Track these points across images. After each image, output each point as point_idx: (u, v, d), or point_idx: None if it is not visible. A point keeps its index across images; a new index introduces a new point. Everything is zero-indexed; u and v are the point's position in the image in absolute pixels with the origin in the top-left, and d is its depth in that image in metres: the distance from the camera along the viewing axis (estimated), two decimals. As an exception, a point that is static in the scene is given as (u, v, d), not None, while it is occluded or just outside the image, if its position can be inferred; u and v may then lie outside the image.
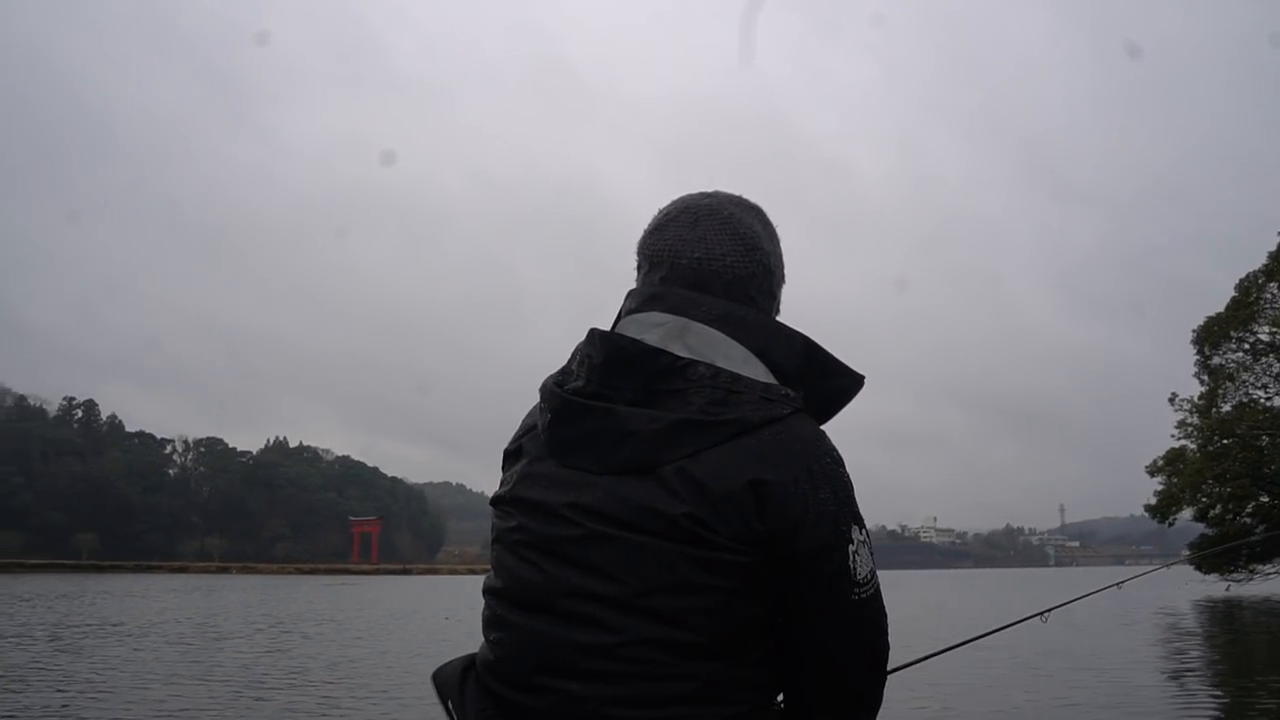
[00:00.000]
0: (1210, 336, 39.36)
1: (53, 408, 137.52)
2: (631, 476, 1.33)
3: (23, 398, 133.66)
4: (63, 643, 18.65)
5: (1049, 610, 2.41)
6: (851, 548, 1.33)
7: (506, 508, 1.45)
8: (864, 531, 1.36)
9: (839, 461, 1.37)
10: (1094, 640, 18.07)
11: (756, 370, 1.38)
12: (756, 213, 1.54)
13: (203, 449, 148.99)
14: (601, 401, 1.37)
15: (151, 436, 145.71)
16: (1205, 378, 39.81)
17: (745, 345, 1.40)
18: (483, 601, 1.47)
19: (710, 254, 1.45)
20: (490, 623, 1.43)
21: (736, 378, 1.36)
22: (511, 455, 1.52)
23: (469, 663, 1.46)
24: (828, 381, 1.46)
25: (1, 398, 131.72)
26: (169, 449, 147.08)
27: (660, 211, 1.53)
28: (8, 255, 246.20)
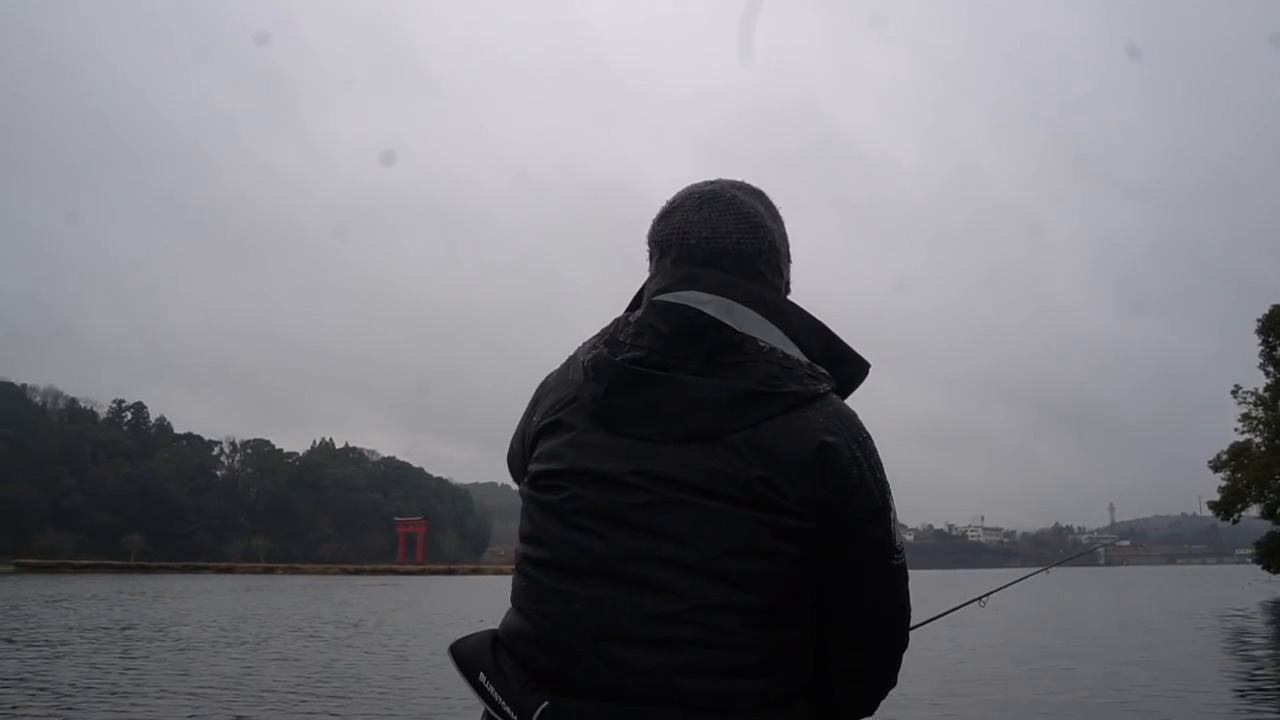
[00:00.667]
0: (1276, 326, 37.72)
1: (103, 410, 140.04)
2: (697, 444, 1.36)
3: (74, 400, 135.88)
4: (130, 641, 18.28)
5: (987, 595, 2.39)
6: (892, 515, 1.41)
7: (557, 480, 1.43)
8: (895, 506, 1.45)
9: (872, 439, 1.45)
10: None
11: (794, 351, 1.46)
12: (759, 195, 1.60)
13: (250, 450, 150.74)
14: (664, 371, 1.40)
15: (199, 438, 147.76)
16: (1271, 369, 38.25)
17: (780, 328, 1.47)
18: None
19: (717, 232, 1.51)
20: (531, 594, 1.41)
21: (786, 355, 1.43)
22: (549, 430, 1.49)
23: (495, 637, 1.43)
24: (841, 368, 1.52)
25: (54, 401, 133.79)
26: (216, 450, 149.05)
27: (666, 202, 1.59)
28: (57, 260, 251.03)
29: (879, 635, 1.46)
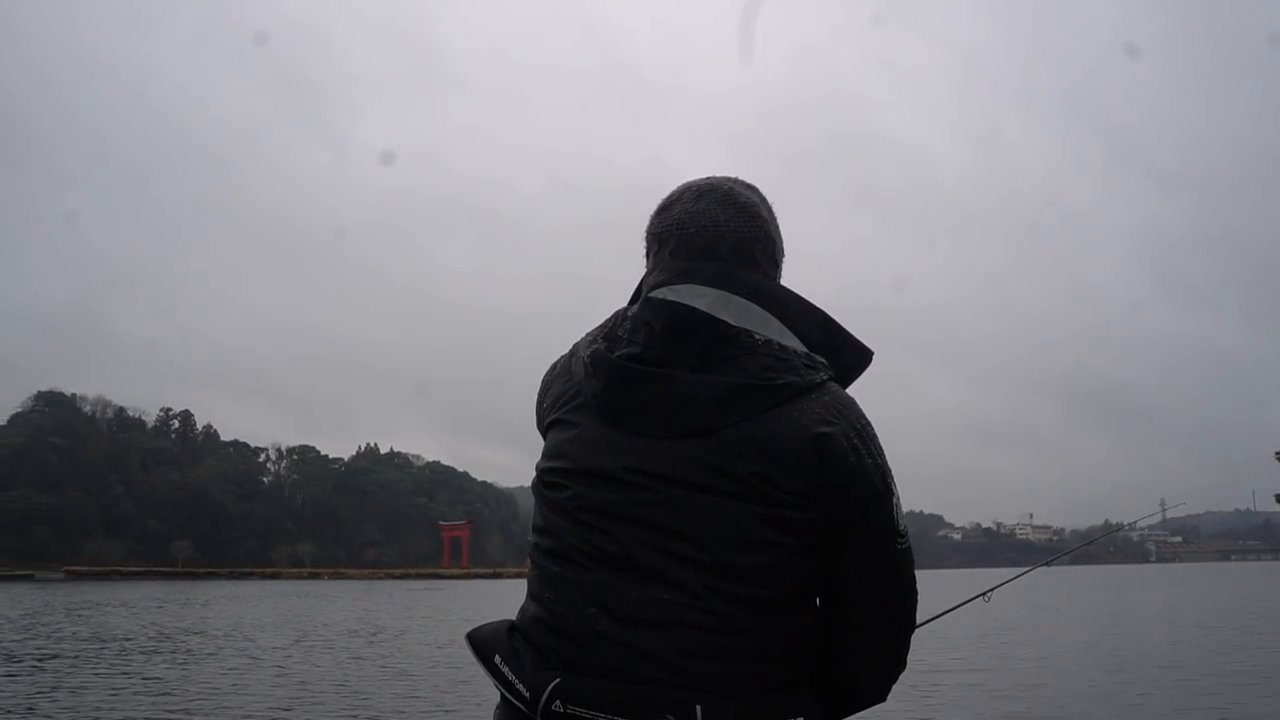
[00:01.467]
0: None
1: (151, 418, 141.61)
2: (693, 439, 1.39)
3: (122, 409, 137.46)
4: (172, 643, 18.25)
5: (990, 590, 2.37)
6: (894, 499, 1.44)
7: (560, 479, 1.48)
8: (898, 490, 1.47)
9: (872, 424, 1.47)
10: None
11: (792, 341, 1.48)
12: (754, 189, 1.63)
13: (295, 457, 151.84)
14: (660, 368, 1.43)
15: (246, 445, 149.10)
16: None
17: (778, 318, 1.49)
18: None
19: (715, 222, 1.54)
20: (543, 580, 1.46)
21: (782, 346, 1.45)
22: (554, 426, 1.54)
23: (511, 625, 1.48)
24: (843, 356, 1.54)
25: (103, 410, 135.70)
26: (262, 457, 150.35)
27: (664, 197, 1.64)
28: (103, 271, 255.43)
29: (884, 620, 1.48)
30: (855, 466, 1.39)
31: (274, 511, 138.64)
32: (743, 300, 1.47)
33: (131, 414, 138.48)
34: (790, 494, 1.37)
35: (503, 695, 1.42)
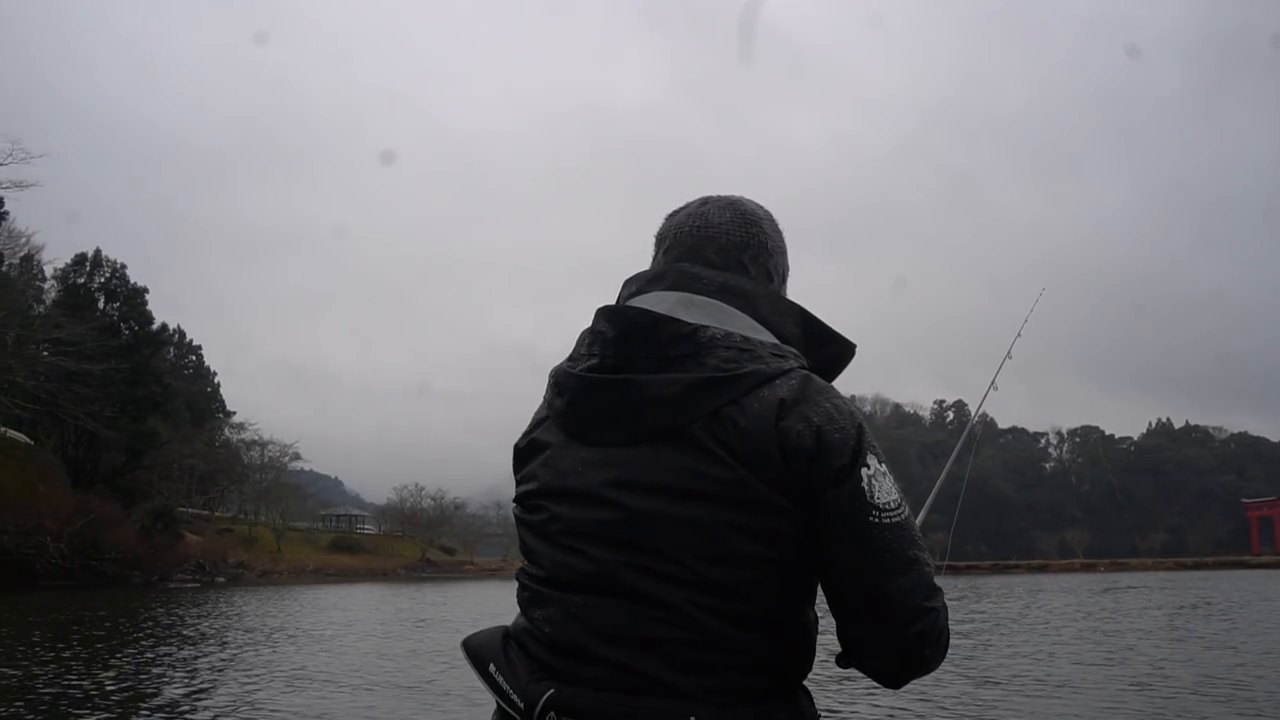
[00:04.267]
0: None
1: (925, 413, 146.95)
2: (661, 443, 1.36)
3: (899, 405, 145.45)
4: None
5: None
6: (867, 471, 1.34)
7: (535, 500, 1.48)
8: (884, 466, 1.38)
9: (852, 406, 1.40)
10: None
11: (764, 336, 1.44)
12: (765, 210, 1.63)
13: (1078, 439, 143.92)
14: (617, 374, 1.42)
15: (1024, 431, 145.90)
16: None
17: (749, 315, 1.46)
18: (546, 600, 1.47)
19: (709, 223, 1.55)
20: (534, 602, 1.45)
21: (746, 338, 1.41)
22: (524, 451, 1.55)
23: (506, 632, 1.48)
24: (825, 349, 1.52)
25: (881, 408, 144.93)
26: (1043, 442, 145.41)
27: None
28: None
29: (873, 607, 1.36)
30: (818, 440, 1.32)
31: (1058, 499, 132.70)
32: (707, 299, 1.45)
33: (908, 410, 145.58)
34: (765, 488, 1.32)
35: (498, 704, 1.43)
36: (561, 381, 1.48)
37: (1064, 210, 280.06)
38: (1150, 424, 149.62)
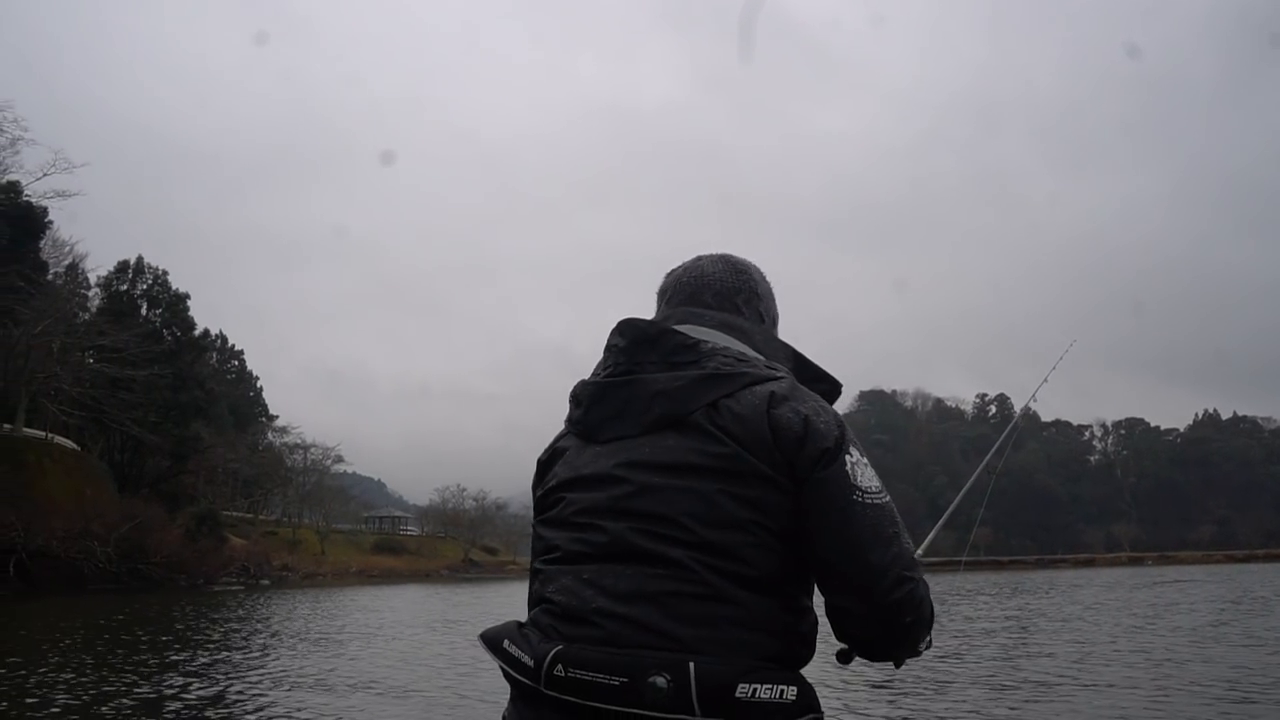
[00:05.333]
0: None
1: (967, 407, 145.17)
2: (667, 430, 1.55)
3: (940, 400, 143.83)
4: None
5: None
6: (850, 459, 1.50)
7: (554, 495, 1.64)
8: (866, 459, 1.54)
9: (832, 409, 1.59)
10: None
11: (759, 358, 1.64)
12: (754, 262, 1.85)
13: (1123, 431, 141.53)
14: (629, 375, 1.62)
15: (1068, 424, 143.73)
16: None
17: (747, 346, 1.66)
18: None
19: (704, 273, 1.78)
20: (545, 581, 1.59)
21: (743, 352, 1.62)
22: (545, 463, 1.73)
23: (519, 622, 1.61)
24: (815, 386, 1.65)
25: (923, 403, 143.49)
26: (1087, 435, 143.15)
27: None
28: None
29: (854, 575, 1.49)
30: (805, 426, 1.48)
31: (1104, 492, 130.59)
32: (707, 329, 1.66)
33: (949, 404, 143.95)
34: (757, 462, 1.48)
35: (511, 684, 1.54)
36: (579, 393, 1.68)
37: (1098, 199, 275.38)
38: (1197, 415, 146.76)
